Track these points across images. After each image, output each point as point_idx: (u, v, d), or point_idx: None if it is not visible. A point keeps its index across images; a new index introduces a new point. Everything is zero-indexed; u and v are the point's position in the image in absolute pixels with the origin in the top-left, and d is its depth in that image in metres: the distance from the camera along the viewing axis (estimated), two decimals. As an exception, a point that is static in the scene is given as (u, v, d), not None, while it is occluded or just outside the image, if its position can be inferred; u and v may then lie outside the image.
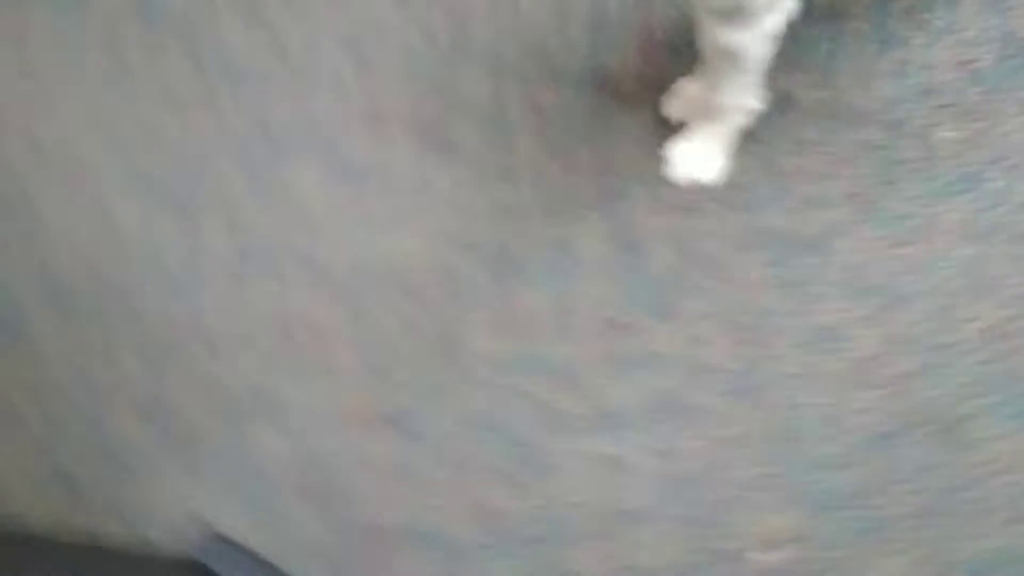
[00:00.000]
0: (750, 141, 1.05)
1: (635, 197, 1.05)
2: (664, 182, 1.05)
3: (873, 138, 1.05)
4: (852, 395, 0.94)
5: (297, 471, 0.93)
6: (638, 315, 0.96)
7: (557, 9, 1.14)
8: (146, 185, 1.09)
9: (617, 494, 0.87)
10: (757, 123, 1.02)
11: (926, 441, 0.91)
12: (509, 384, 0.93)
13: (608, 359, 0.95)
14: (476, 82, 1.10)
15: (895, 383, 0.94)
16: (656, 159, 1.06)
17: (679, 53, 1.07)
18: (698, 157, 1.07)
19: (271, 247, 1.04)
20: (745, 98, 1.00)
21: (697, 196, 1.05)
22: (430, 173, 1.05)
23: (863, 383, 0.94)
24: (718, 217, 1.05)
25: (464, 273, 0.98)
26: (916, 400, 0.93)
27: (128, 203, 1.08)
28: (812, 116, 1.06)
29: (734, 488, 0.89)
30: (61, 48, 1.14)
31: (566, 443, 0.90)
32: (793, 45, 0.94)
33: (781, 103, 1.02)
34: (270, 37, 1.11)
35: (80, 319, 1.04)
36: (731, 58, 0.91)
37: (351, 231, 1.04)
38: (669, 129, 1.07)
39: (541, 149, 1.06)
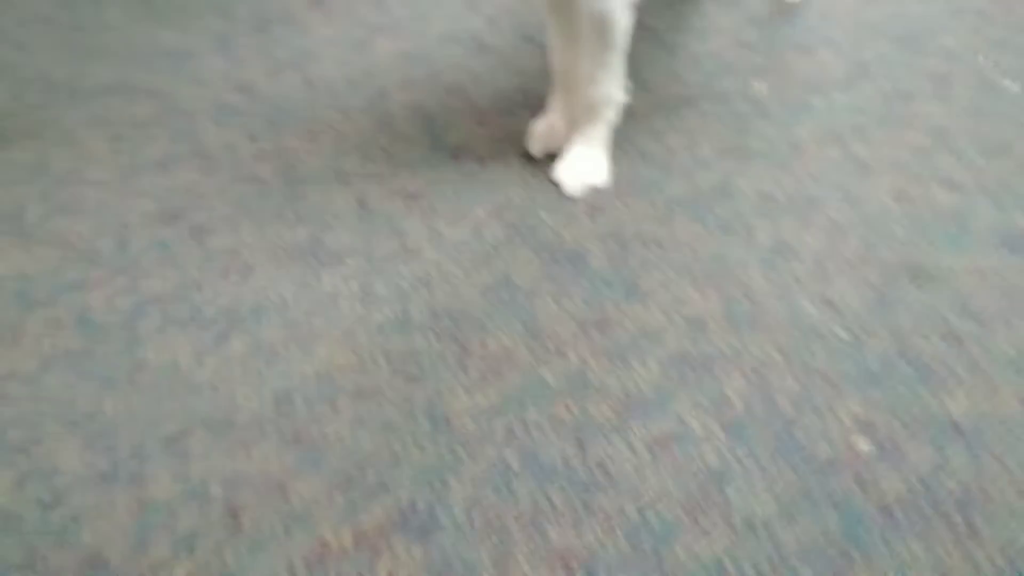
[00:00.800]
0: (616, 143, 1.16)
1: (548, 221, 1.08)
2: (565, 200, 1.11)
3: (707, 109, 1.23)
4: (828, 287, 0.98)
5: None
6: (608, 308, 0.97)
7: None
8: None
9: (693, 464, 0.80)
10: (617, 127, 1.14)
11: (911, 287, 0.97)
12: (514, 426, 0.87)
13: (605, 355, 0.92)
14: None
15: (854, 261, 1.00)
16: (547, 187, 1.12)
17: (513, 113, 1.24)
18: (585, 165, 1.10)
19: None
20: (616, 87, 1.05)
21: (598, 199, 1.10)
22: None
23: (825, 273, 0.99)
24: (625, 207, 1.09)
25: (423, 349, 0.94)
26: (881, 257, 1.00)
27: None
28: (654, 109, 1.25)
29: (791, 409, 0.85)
30: None
31: (609, 444, 0.83)
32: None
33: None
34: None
35: None
36: (600, 30, 0.98)
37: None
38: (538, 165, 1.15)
39: (444, 218, 1.10)
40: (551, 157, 1.14)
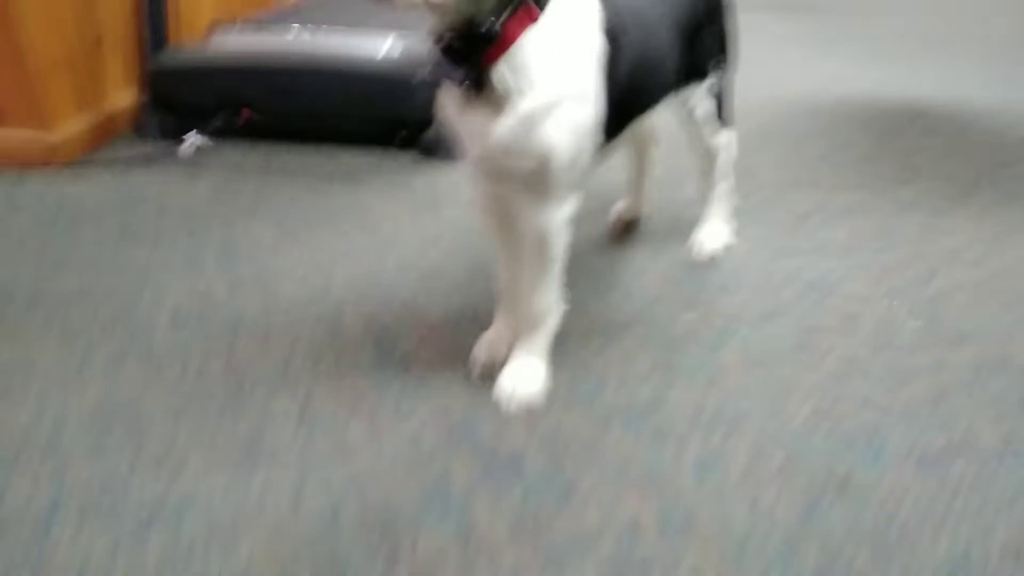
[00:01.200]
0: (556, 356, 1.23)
1: (487, 427, 1.11)
2: (502, 408, 1.15)
3: (641, 332, 1.33)
4: (759, 497, 1.00)
5: None
6: (543, 511, 0.97)
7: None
8: None
9: None
10: (557, 343, 1.22)
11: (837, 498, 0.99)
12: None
13: (540, 558, 0.90)
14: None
15: (774, 475, 1.03)
16: (488, 395, 1.17)
17: (460, 329, 1.35)
18: (526, 373, 1.16)
19: None
20: (555, 299, 1.14)
21: (536, 406, 1.15)
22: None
23: (754, 482, 1.02)
24: (562, 415, 1.14)
25: (350, 552, 0.91)
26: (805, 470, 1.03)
27: None
28: (592, 329, 1.36)
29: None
30: None
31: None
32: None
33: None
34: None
35: None
36: (540, 245, 1.08)
37: None
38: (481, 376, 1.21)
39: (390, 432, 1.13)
40: (494, 369, 1.20)
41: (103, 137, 2.10)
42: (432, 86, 1.05)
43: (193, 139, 2.06)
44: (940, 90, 2.58)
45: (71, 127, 2.00)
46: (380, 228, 1.67)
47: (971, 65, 2.82)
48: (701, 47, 1.34)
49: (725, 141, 1.51)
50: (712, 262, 1.53)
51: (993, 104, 2.44)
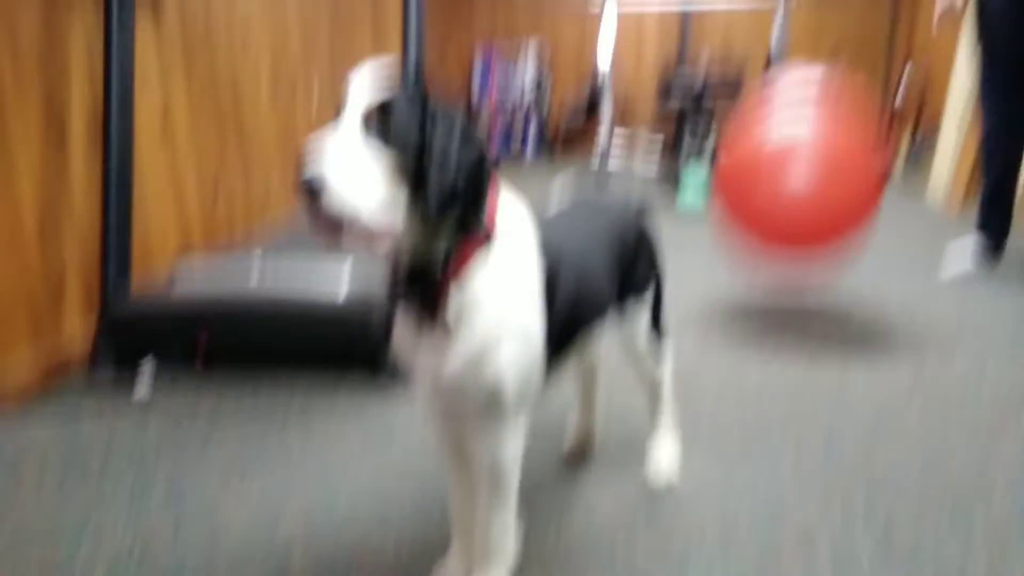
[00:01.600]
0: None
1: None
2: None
3: (600, 559, 1.31)
4: None
5: None
6: None
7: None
8: None
9: None
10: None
11: None
12: None
13: None
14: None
15: None
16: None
17: (416, 560, 1.32)
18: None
19: None
20: (510, 529, 1.13)
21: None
22: None
23: None
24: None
25: None
26: None
27: None
28: (551, 557, 1.34)
29: None
30: None
31: None
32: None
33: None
34: None
35: None
36: (493, 473, 1.09)
37: None
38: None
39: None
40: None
41: (56, 370, 2.10)
42: (388, 316, 1.10)
43: (147, 373, 2.07)
44: (863, 292, 2.76)
45: (23, 363, 1.99)
46: (332, 460, 1.66)
47: (888, 269, 3.04)
48: (633, 271, 1.44)
49: (664, 352, 1.57)
50: (667, 486, 1.54)
51: (911, 307, 2.63)
